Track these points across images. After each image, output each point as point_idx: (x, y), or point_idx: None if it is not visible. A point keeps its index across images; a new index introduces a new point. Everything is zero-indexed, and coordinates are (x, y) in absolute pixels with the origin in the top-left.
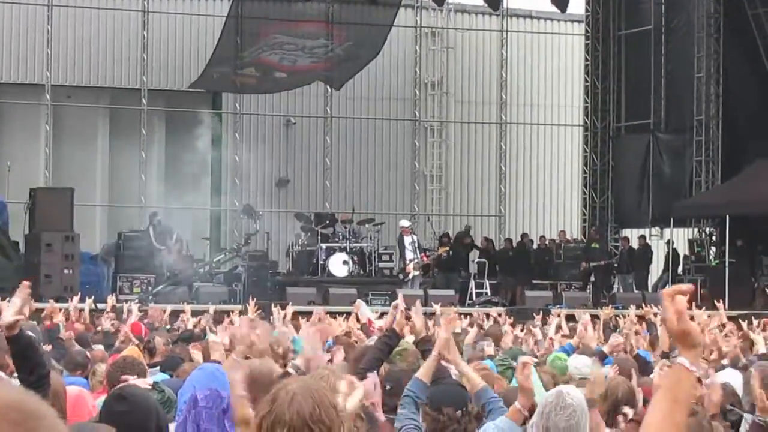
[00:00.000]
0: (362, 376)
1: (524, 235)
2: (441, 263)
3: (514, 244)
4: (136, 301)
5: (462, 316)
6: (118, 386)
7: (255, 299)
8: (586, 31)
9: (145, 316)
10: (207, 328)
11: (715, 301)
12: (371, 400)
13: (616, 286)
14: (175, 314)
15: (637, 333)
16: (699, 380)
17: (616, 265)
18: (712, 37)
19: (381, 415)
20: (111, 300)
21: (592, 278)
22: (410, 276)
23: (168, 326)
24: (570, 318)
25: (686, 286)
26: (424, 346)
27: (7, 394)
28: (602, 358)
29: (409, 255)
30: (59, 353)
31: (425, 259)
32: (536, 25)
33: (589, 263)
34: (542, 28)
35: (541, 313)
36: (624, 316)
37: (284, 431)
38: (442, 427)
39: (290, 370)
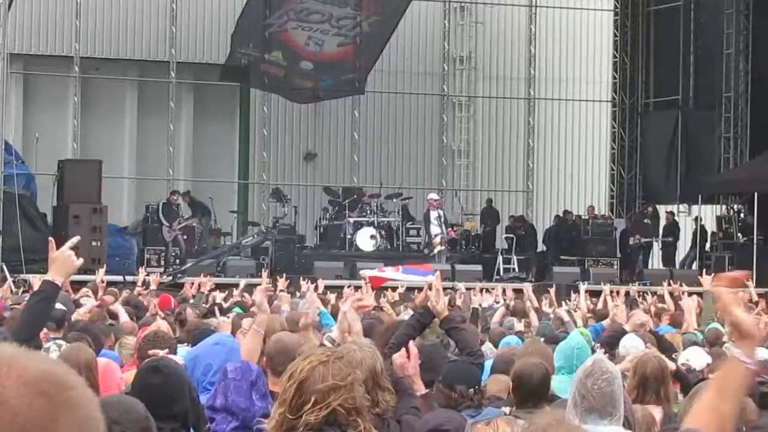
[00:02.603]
0: (392, 352)
1: (566, 212)
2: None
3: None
4: (157, 274)
5: (487, 291)
6: (151, 358)
7: (267, 271)
8: (616, 6)
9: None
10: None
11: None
12: (407, 373)
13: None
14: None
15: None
16: (754, 372)
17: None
18: (741, 13)
19: (421, 387)
20: (142, 273)
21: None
22: (435, 251)
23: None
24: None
25: (735, 275)
26: (447, 324)
27: (37, 365)
28: (622, 334)
29: (434, 230)
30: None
31: (452, 233)
32: (565, 0)
33: (642, 238)
34: (571, 3)
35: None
36: (651, 293)
37: (315, 409)
38: (454, 404)
39: (326, 342)
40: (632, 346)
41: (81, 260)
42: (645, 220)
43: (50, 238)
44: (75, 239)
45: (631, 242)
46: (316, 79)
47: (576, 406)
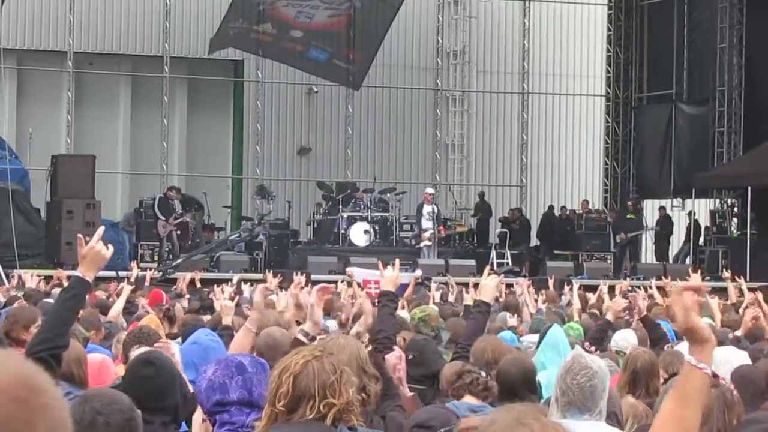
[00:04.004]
0: (384, 347)
1: (551, 207)
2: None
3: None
4: (152, 270)
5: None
6: (143, 351)
7: (271, 272)
8: (609, 0)
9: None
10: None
11: (736, 277)
12: (398, 375)
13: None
14: (202, 283)
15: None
16: (714, 376)
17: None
18: (735, 7)
19: (406, 390)
20: (134, 269)
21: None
22: (422, 244)
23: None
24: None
25: (698, 284)
26: (475, 308)
27: (10, 370)
28: (608, 326)
29: (425, 224)
30: None
31: (443, 231)
32: None
33: (627, 234)
34: None
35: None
36: (644, 287)
37: (309, 405)
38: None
39: (299, 336)
40: (623, 339)
41: (111, 249)
42: (629, 216)
43: (79, 235)
44: (101, 230)
45: (617, 240)
46: (307, 44)
47: (557, 401)
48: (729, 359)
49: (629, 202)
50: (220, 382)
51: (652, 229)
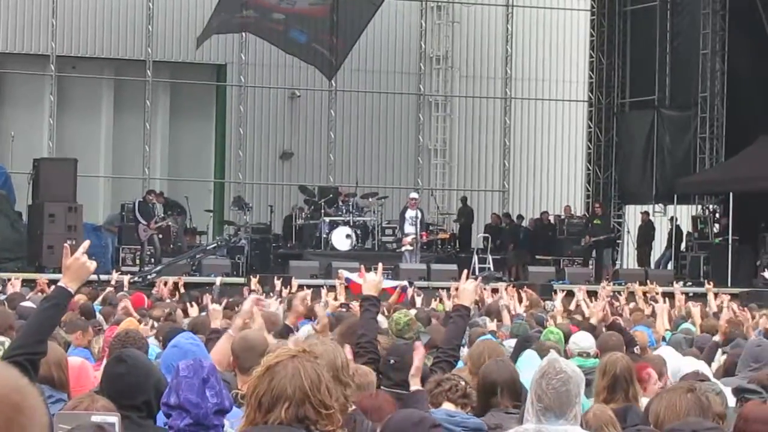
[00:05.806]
0: (366, 351)
1: (544, 213)
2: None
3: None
4: (128, 276)
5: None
6: (118, 350)
7: (257, 277)
8: (592, 6)
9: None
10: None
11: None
12: (416, 363)
13: (619, 262)
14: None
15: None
16: None
17: (618, 240)
18: (717, 14)
19: (417, 381)
20: (115, 274)
21: (594, 254)
22: (403, 248)
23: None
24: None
25: None
26: (455, 312)
27: (6, 376)
28: (591, 330)
29: (407, 229)
30: None
31: (425, 237)
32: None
33: (590, 239)
34: (548, 2)
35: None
36: (630, 292)
37: (285, 406)
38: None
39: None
40: (583, 339)
41: (95, 264)
42: (595, 221)
43: (65, 245)
44: (86, 244)
45: (582, 244)
46: (288, 26)
47: (532, 406)
48: (679, 367)
49: (595, 206)
50: (168, 388)
51: (617, 236)
